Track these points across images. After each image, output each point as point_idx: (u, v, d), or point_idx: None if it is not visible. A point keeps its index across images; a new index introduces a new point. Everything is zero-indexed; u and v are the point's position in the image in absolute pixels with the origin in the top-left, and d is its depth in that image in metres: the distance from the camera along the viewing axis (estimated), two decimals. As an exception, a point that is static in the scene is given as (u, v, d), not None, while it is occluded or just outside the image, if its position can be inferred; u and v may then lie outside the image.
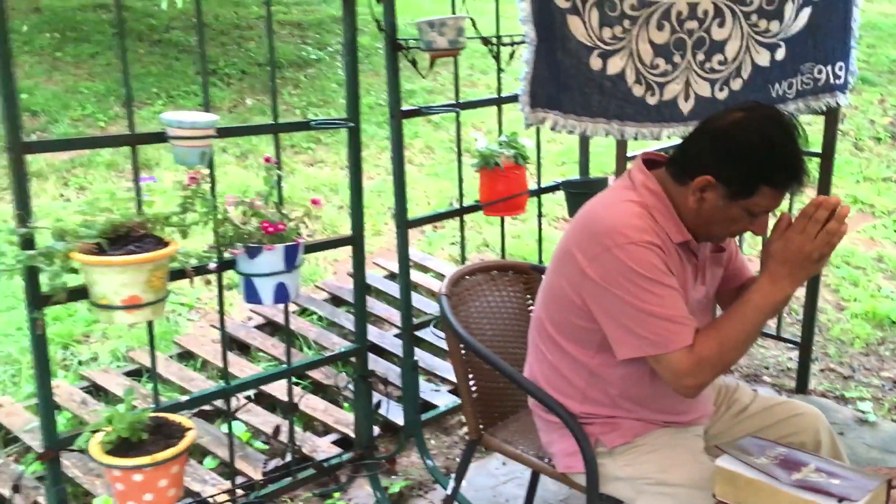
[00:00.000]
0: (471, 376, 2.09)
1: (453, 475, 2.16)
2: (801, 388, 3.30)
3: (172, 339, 3.60)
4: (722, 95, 2.79)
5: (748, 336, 1.64)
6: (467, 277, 2.23)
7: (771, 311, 1.63)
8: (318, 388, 3.25)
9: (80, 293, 1.85)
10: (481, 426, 2.10)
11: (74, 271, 1.82)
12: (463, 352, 2.05)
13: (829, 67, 2.92)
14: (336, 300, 4.01)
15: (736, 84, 2.80)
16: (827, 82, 2.93)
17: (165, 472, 1.87)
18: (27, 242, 1.79)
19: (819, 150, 3.14)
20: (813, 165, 3.20)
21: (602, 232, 1.67)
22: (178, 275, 1.97)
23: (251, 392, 3.04)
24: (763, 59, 2.80)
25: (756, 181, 1.62)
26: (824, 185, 3.15)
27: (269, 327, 3.74)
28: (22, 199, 1.77)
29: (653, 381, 1.77)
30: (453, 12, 2.60)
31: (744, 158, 1.62)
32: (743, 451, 1.64)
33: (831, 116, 3.08)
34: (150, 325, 2.14)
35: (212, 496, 2.25)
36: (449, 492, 2.16)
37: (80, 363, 3.43)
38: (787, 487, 1.53)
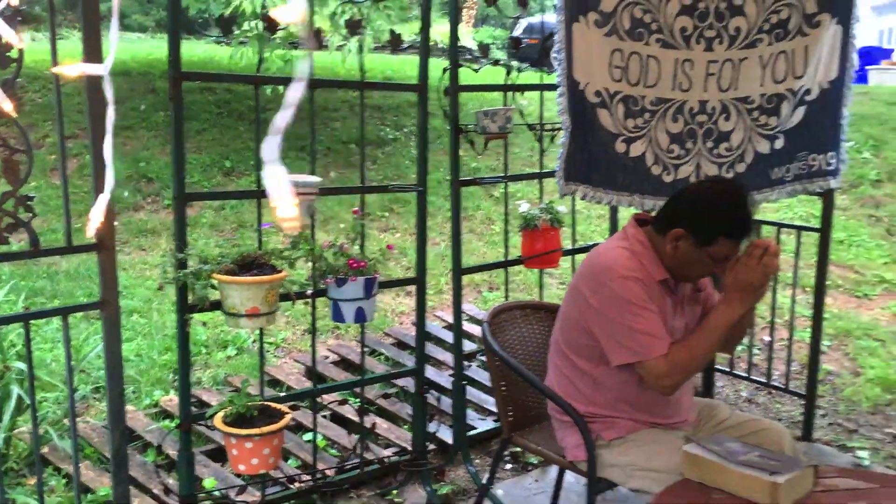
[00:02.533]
0: (504, 388, 2.66)
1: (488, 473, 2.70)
2: (807, 436, 3.71)
3: (264, 370, 4.25)
4: (728, 176, 3.35)
5: (711, 346, 2.19)
6: (505, 312, 2.82)
7: (728, 326, 2.17)
8: (382, 413, 3.83)
9: (216, 305, 2.51)
10: (511, 429, 2.66)
11: (213, 288, 2.48)
12: (497, 363, 2.62)
13: (822, 156, 3.44)
14: (401, 344, 4.62)
15: (740, 167, 3.36)
16: (820, 168, 3.45)
17: (268, 442, 2.47)
18: (182, 264, 2.46)
19: (818, 226, 3.62)
20: (812, 239, 3.70)
21: (600, 270, 2.26)
22: (285, 297, 2.61)
23: (327, 413, 3.65)
24: (764, 147, 3.35)
25: (716, 232, 2.18)
26: (823, 257, 3.61)
27: (343, 364, 4.36)
28: (181, 233, 2.45)
29: (642, 388, 2.31)
30: (505, 104, 3.26)
31: (707, 215, 2.19)
32: (706, 442, 2.16)
33: (828, 198, 3.58)
34: (261, 335, 2.77)
35: (297, 475, 2.83)
36: (484, 481, 2.69)
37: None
38: (733, 465, 2.04)
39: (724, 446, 2.14)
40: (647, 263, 2.26)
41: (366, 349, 4.48)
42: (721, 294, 2.23)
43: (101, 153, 2.12)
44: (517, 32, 11.86)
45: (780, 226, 3.85)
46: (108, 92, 1.03)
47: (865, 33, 23.56)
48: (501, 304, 2.82)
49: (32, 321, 2.42)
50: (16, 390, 3.07)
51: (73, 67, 1.08)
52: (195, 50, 11.07)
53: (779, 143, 3.37)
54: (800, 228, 3.84)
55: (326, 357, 4.49)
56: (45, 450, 3.24)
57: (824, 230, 3.61)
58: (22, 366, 3.22)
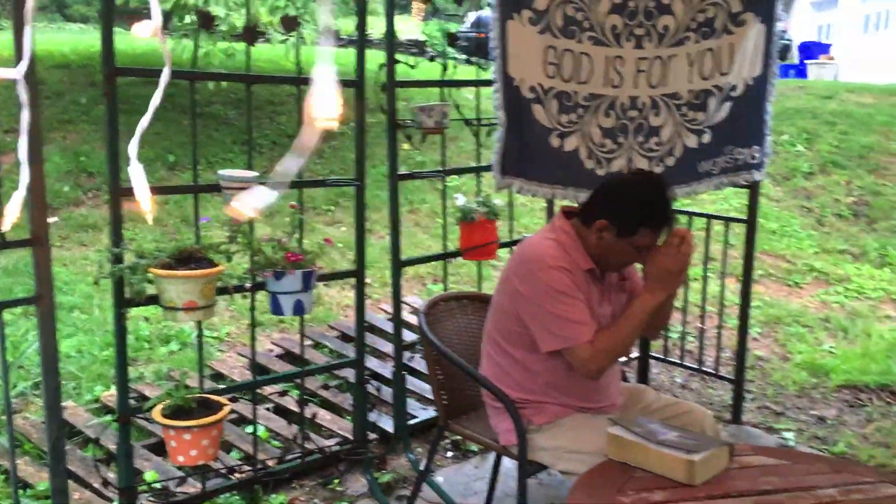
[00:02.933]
0: (441, 376, 2.73)
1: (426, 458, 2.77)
2: (736, 419, 3.87)
3: (206, 364, 4.26)
4: (658, 170, 3.46)
5: (633, 331, 2.29)
6: (442, 303, 2.89)
7: (649, 312, 2.27)
8: (326, 405, 3.88)
9: (152, 299, 2.53)
10: (447, 417, 2.73)
11: (150, 282, 2.50)
12: (433, 353, 2.69)
13: (747, 150, 3.58)
14: (345, 337, 4.67)
15: (669, 161, 3.48)
16: (745, 162, 3.59)
17: (207, 434, 2.51)
18: (117, 259, 2.48)
19: (745, 217, 3.77)
20: (741, 229, 3.85)
21: (529, 260, 2.34)
22: (224, 290, 2.64)
23: (270, 405, 3.69)
24: (692, 141, 3.48)
25: (637, 223, 2.28)
26: (749, 247, 3.76)
27: (288, 357, 4.39)
28: (117, 228, 2.47)
29: (570, 374, 2.40)
30: (442, 99, 3.32)
31: (628, 207, 2.29)
32: (629, 424, 2.26)
33: (753, 190, 3.73)
34: (199, 328, 2.80)
35: (238, 466, 2.87)
36: (421, 468, 2.77)
37: (128, 380, 4.09)
38: (653, 445, 2.14)
39: (646, 428, 2.24)
40: (573, 254, 2.35)
41: (311, 342, 4.55)
42: (643, 280, 2.34)
43: (35, 148, 2.13)
44: (465, 27, 11.94)
45: (710, 217, 4.00)
46: (23, 95, 1.06)
47: (805, 29, 24.21)
48: (438, 295, 2.89)
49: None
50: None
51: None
52: (139, 42, 10.89)
53: (706, 138, 3.50)
54: (728, 220, 3.99)
55: (271, 350, 4.51)
56: (-21, 447, 3.22)
57: (751, 221, 3.75)
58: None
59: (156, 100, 0.97)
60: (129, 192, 2.55)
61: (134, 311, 4.77)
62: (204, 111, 8.21)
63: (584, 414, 2.47)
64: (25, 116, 1.10)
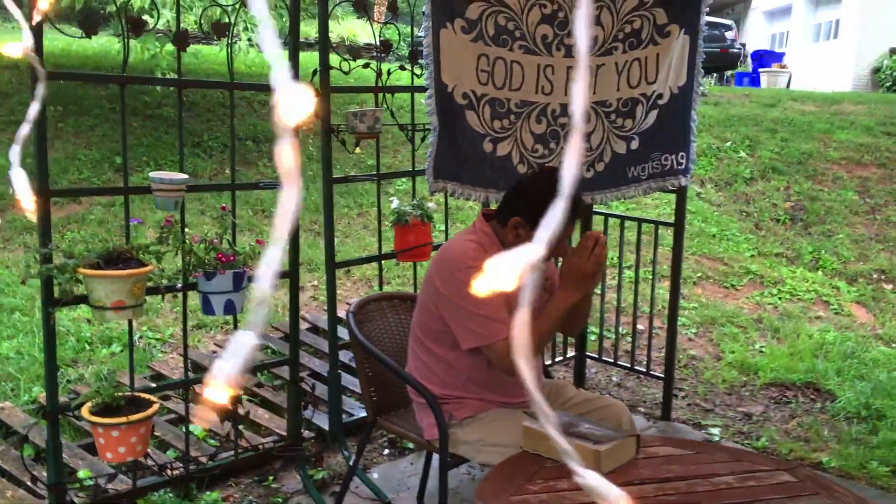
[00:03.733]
0: (370, 374, 2.81)
1: (355, 451, 2.85)
2: (666, 415, 4.00)
3: (147, 364, 4.29)
4: (588, 175, 3.58)
5: (550, 329, 2.40)
6: (373, 303, 2.97)
7: (564, 311, 2.38)
8: (266, 404, 3.93)
9: (80, 299, 2.57)
10: (377, 413, 2.81)
11: (79, 282, 2.54)
12: (364, 355, 2.77)
13: (673, 156, 3.72)
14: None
15: (599, 167, 3.60)
16: (672, 167, 3.73)
17: (135, 431, 2.55)
18: (46, 259, 2.51)
19: (672, 221, 3.91)
20: (669, 233, 3.99)
21: (449, 259, 2.43)
22: (154, 290, 2.69)
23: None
24: (620, 147, 3.60)
25: (545, 214, 2.38)
26: (677, 250, 3.89)
27: (230, 358, 4.42)
28: (45, 229, 2.51)
29: (490, 370, 2.50)
30: (377, 105, 3.40)
31: (535, 200, 2.39)
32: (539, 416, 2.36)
33: (681, 195, 3.87)
34: (130, 327, 2.84)
35: (170, 463, 2.92)
36: (350, 463, 2.84)
37: (68, 381, 4.10)
38: (563, 437, 2.24)
39: (560, 420, 2.34)
40: (492, 253, 2.43)
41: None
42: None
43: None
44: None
45: (640, 221, 4.13)
46: None
47: (758, 37, 24.72)
48: (368, 295, 2.97)
49: None
50: None
51: None
52: (91, 44, 10.81)
53: (634, 144, 3.62)
54: (657, 223, 4.12)
55: (214, 352, 4.54)
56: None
57: (678, 224, 3.89)
58: None
59: (33, 106, 1.03)
60: (57, 193, 2.59)
61: (76, 313, 4.78)
62: (154, 113, 8.19)
63: (504, 408, 2.56)
64: None
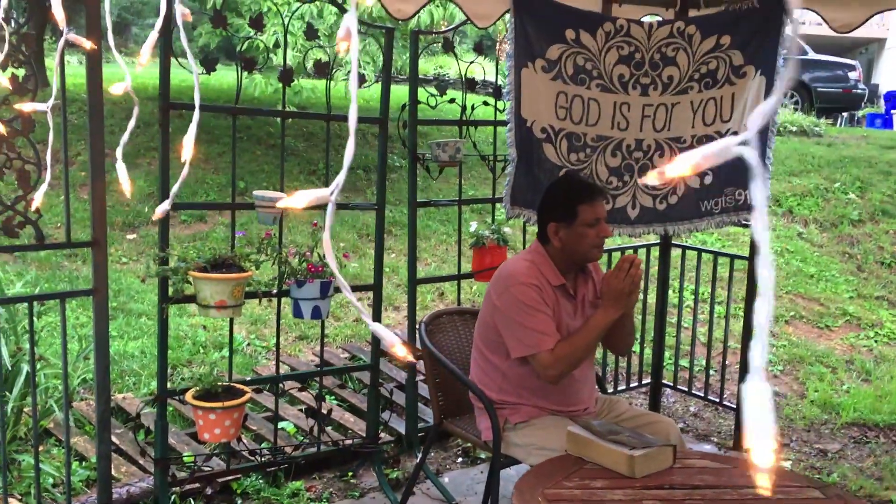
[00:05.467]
0: (438, 381, 3.08)
1: (421, 449, 3.11)
2: (737, 446, 4.06)
3: (252, 368, 4.71)
4: (661, 207, 3.75)
5: (588, 343, 2.61)
6: (445, 316, 3.25)
7: (603, 327, 2.59)
8: (353, 409, 4.26)
9: (190, 298, 2.97)
10: (442, 416, 3.07)
11: (189, 283, 2.94)
12: (433, 362, 3.04)
13: (747, 191, 3.83)
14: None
15: (672, 199, 3.75)
16: (745, 202, 3.82)
17: (229, 415, 2.92)
18: (163, 262, 2.93)
19: (746, 254, 4.01)
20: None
21: (505, 276, 2.69)
22: (253, 294, 3.07)
23: (303, 406, 4.10)
24: (694, 182, 3.75)
25: (572, 205, 2.61)
26: (751, 282, 3.99)
27: (327, 367, 4.79)
28: (164, 236, 2.93)
29: (540, 379, 2.72)
30: (461, 136, 3.71)
31: (559, 199, 2.64)
32: (587, 424, 2.56)
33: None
34: (231, 325, 3.23)
35: (258, 450, 3.27)
36: (417, 460, 3.10)
37: (182, 379, 4.57)
38: (602, 442, 2.44)
39: (602, 428, 2.54)
40: (545, 272, 2.68)
41: (349, 355, 4.96)
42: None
43: (98, 166, 2.61)
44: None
45: (716, 254, 4.24)
46: (50, 122, 1.47)
47: (895, 77, 23.65)
48: (440, 309, 3.25)
49: (43, 308, 2.94)
50: (25, 368, 3.54)
51: (27, 105, 1.54)
52: (226, 78, 11.73)
53: (708, 179, 3.76)
54: (733, 257, 4.22)
55: (313, 360, 4.93)
56: (50, 424, 3.71)
57: (752, 258, 3.98)
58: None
59: (191, 129, 1.29)
60: (174, 207, 3.02)
61: (195, 319, 5.29)
62: (276, 143, 8.83)
63: (555, 416, 2.78)
64: (50, 139, 1.52)
